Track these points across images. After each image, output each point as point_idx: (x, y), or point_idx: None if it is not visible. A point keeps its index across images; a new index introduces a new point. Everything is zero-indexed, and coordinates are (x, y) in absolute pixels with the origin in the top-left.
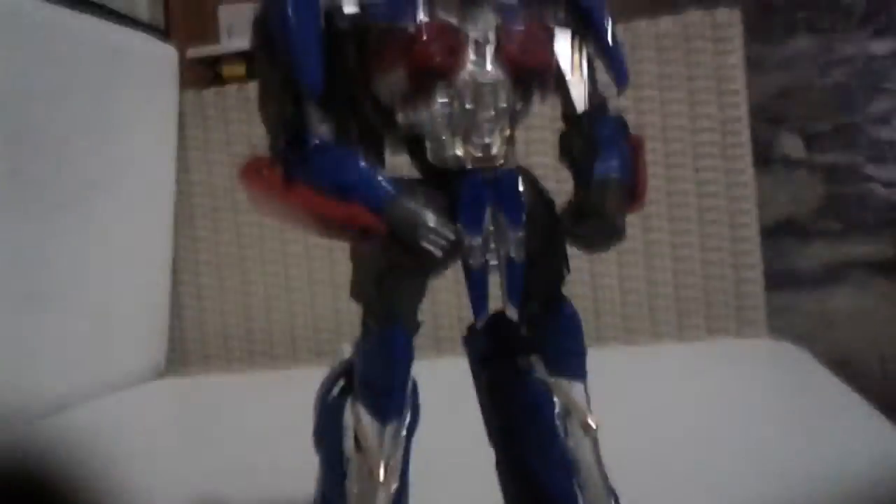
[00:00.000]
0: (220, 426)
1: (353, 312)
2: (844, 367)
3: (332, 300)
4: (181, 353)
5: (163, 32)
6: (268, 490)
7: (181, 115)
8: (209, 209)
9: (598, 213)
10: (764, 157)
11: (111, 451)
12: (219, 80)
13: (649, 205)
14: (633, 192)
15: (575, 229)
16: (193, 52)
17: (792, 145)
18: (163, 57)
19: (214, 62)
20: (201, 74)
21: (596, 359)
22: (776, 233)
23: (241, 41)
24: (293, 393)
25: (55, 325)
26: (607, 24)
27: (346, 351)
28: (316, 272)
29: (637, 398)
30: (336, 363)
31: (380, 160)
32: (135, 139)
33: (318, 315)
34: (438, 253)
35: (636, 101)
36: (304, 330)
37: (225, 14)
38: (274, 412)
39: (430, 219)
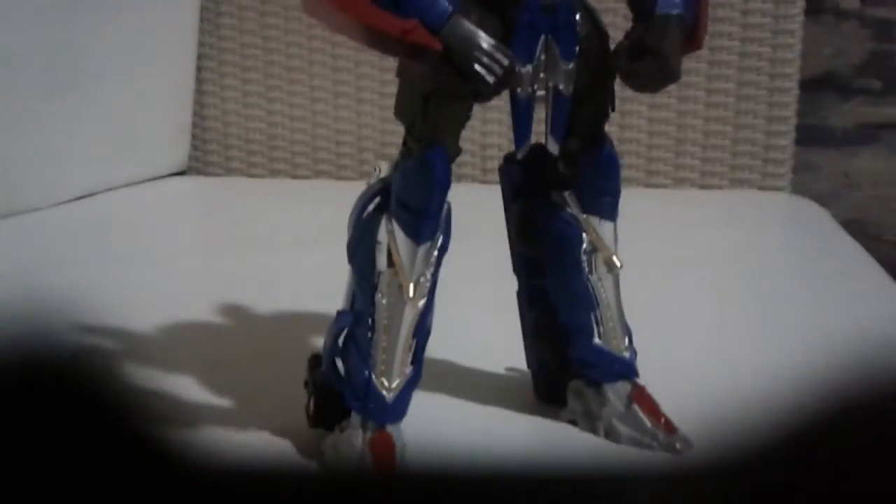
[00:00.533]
0: (238, 226)
1: (375, 129)
2: (863, 227)
3: (356, 115)
4: (203, 154)
5: None
6: (282, 294)
7: None
8: (235, 8)
9: (657, 52)
10: (815, 5)
11: (131, 240)
12: None
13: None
14: (692, 32)
15: (630, 67)
16: None
17: None
18: None
19: None
20: None
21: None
22: (814, 86)
23: None
24: (312, 203)
25: (82, 115)
26: None
27: (384, 169)
28: (341, 85)
29: (653, 241)
30: (373, 180)
31: None
32: None
33: (341, 129)
34: (490, 78)
35: None
36: (325, 142)
37: None
38: (292, 219)
39: (487, 42)
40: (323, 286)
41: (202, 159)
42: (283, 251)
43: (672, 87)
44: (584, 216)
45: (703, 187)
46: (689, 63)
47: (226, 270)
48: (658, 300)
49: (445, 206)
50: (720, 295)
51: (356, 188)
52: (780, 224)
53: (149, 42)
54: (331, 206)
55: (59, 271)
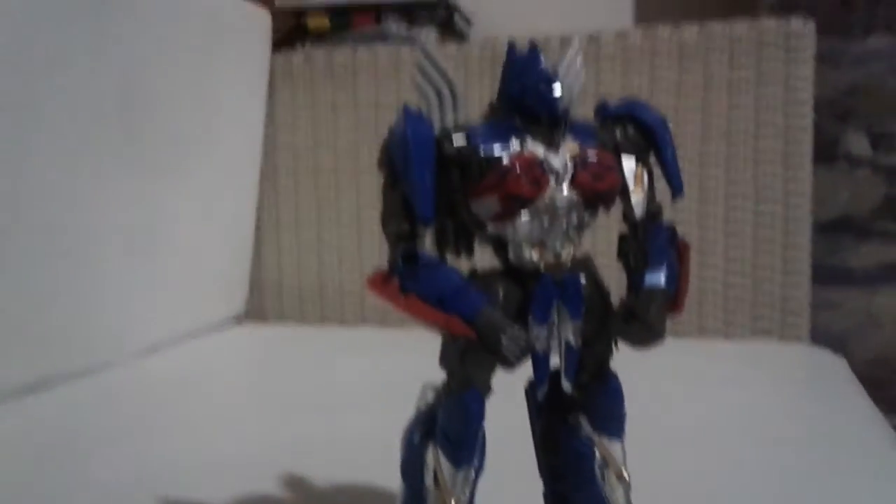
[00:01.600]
0: (293, 379)
1: None
2: (885, 366)
3: None
4: (259, 303)
5: None
6: (338, 458)
7: (271, 77)
8: (291, 169)
9: (643, 320)
10: (828, 154)
11: (199, 392)
12: (303, 30)
13: (706, 204)
14: (674, 299)
15: (623, 329)
16: (280, 2)
17: (858, 143)
18: (256, 21)
19: (300, 14)
20: (286, 24)
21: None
22: (833, 229)
23: None
24: (364, 349)
25: (154, 272)
26: (668, 142)
27: (429, 394)
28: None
29: (674, 401)
30: (420, 404)
31: (471, 251)
32: (229, 100)
33: None
34: (514, 356)
35: (705, 102)
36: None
37: None
38: (344, 365)
39: (511, 330)
40: (378, 449)
41: (258, 306)
42: (338, 410)
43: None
44: (596, 436)
45: (726, 336)
46: (707, 208)
47: (283, 432)
48: (676, 466)
49: (481, 434)
50: (735, 462)
51: (399, 335)
52: (798, 380)
53: (215, 201)
54: (379, 354)
55: (129, 434)
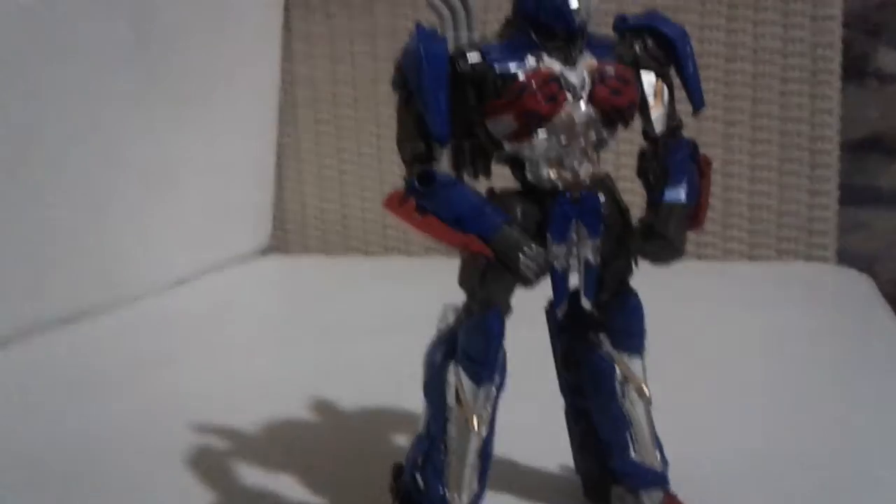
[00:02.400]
0: (319, 310)
1: None
2: None
3: None
4: (283, 235)
5: None
6: (365, 383)
7: (286, 9)
8: (311, 100)
9: (663, 236)
10: (858, 70)
11: (223, 330)
12: None
13: (732, 124)
14: (695, 215)
15: (642, 247)
16: None
17: (889, 59)
18: None
19: None
20: None
21: (668, 271)
22: (862, 148)
23: None
24: (388, 277)
25: (175, 206)
26: (688, 54)
27: (449, 315)
28: None
29: (698, 323)
30: (441, 325)
31: (488, 171)
32: (244, 32)
33: None
34: (532, 274)
35: (730, 17)
36: (394, 220)
37: None
38: (369, 293)
39: (528, 247)
40: (402, 373)
41: (282, 238)
42: (362, 337)
43: (718, 165)
44: (616, 353)
45: (751, 258)
46: (733, 129)
47: (309, 359)
48: (699, 389)
49: (501, 353)
50: (757, 383)
51: (423, 263)
52: (824, 300)
53: (233, 134)
54: (403, 283)
55: (158, 365)
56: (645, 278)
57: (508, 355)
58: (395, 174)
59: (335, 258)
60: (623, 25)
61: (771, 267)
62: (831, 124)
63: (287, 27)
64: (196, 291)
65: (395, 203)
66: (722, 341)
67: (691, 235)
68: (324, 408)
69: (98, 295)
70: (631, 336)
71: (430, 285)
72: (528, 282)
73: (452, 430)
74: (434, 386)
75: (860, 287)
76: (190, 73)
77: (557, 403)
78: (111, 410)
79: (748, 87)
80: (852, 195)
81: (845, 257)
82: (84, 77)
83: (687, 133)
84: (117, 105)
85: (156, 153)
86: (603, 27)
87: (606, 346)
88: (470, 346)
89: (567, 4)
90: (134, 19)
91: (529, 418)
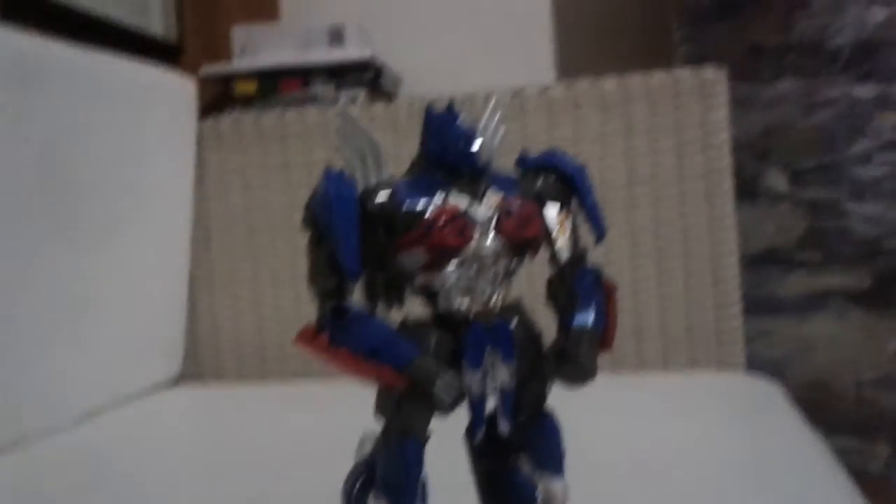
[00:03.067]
0: (232, 440)
1: None
2: (821, 389)
3: None
4: (196, 364)
5: (176, 49)
6: (284, 496)
7: (199, 143)
8: (224, 230)
9: (575, 359)
10: (750, 190)
11: (130, 465)
12: (230, 97)
13: (637, 245)
14: (604, 337)
15: (555, 370)
16: (207, 69)
17: (777, 180)
18: (181, 89)
19: (227, 80)
20: (213, 90)
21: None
22: (760, 262)
23: (252, 60)
24: (304, 404)
25: (83, 336)
26: (587, 188)
27: (367, 444)
28: None
29: (613, 429)
30: (358, 455)
31: (402, 301)
32: (156, 168)
33: None
34: (448, 401)
35: (628, 149)
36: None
37: (238, 34)
38: (285, 422)
39: (443, 376)
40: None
41: (195, 366)
42: (280, 468)
43: (627, 281)
44: (538, 473)
45: (665, 368)
46: (637, 249)
47: (227, 492)
48: (620, 500)
49: (422, 480)
50: (678, 495)
51: (343, 387)
52: (738, 408)
53: (144, 262)
54: (323, 409)
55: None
56: (562, 392)
57: (430, 482)
58: (312, 301)
59: (251, 385)
60: (525, 164)
61: (685, 377)
62: (729, 240)
63: (200, 162)
64: (107, 425)
65: (308, 338)
66: (640, 454)
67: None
68: None
69: (6, 430)
70: (551, 457)
71: (353, 411)
72: (444, 409)
73: None
74: None
75: (770, 393)
76: (101, 210)
77: None
78: None
79: (650, 208)
80: (756, 306)
81: (755, 364)
82: None
83: (594, 254)
84: (26, 235)
85: (66, 289)
86: (510, 155)
87: (527, 468)
88: (389, 476)
89: (469, 147)
90: (43, 158)
91: None
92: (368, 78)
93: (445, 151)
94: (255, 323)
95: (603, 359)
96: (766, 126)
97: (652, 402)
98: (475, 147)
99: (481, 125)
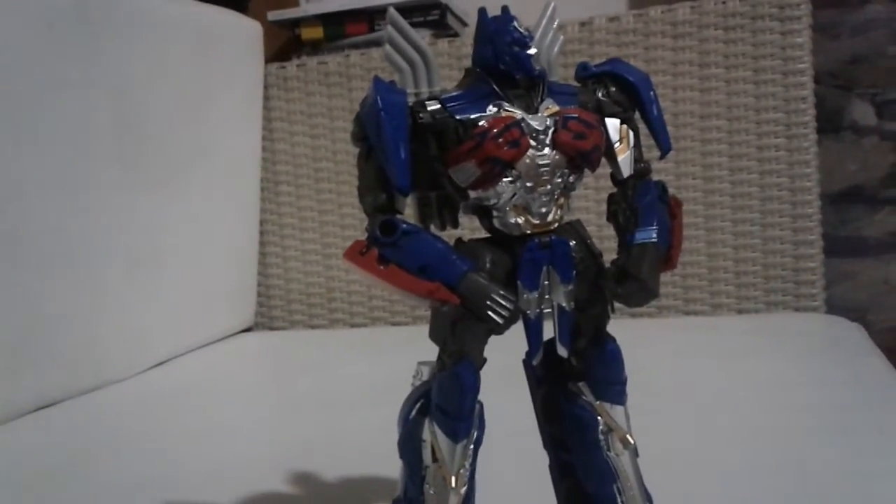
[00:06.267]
0: (303, 382)
1: None
2: None
3: None
4: (268, 310)
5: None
6: (348, 453)
7: (266, 88)
8: (292, 176)
9: (636, 277)
10: (833, 124)
11: (206, 405)
12: (297, 41)
13: (712, 180)
14: (668, 255)
15: (616, 289)
16: (273, 15)
17: (862, 113)
18: (248, 32)
19: (294, 25)
20: (281, 37)
21: (656, 328)
22: (843, 200)
23: (318, 5)
24: (369, 348)
25: (159, 287)
26: (652, 99)
27: (424, 372)
28: None
29: (689, 376)
30: (415, 382)
31: (455, 222)
32: (224, 113)
33: None
34: (500, 320)
35: (702, 80)
36: (379, 290)
37: None
38: (350, 364)
39: (495, 293)
40: (387, 443)
41: (267, 315)
42: (347, 408)
43: (701, 221)
44: (598, 402)
45: (739, 312)
46: (712, 185)
47: (295, 431)
48: (691, 440)
49: (477, 406)
50: (750, 433)
51: (408, 332)
52: (816, 348)
53: (216, 214)
54: (388, 352)
55: (141, 442)
56: (636, 334)
57: (487, 410)
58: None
59: (320, 331)
60: (585, 73)
61: (760, 319)
62: (810, 176)
63: (267, 106)
64: (183, 368)
65: (355, 254)
66: (712, 391)
67: (680, 293)
68: (308, 479)
69: (82, 380)
70: (611, 384)
71: (416, 353)
72: (497, 328)
73: (430, 490)
74: (409, 444)
75: (852, 336)
76: (171, 154)
77: (541, 458)
78: (97, 485)
79: (724, 143)
80: (837, 247)
81: (835, 308)
82: (65, 164)
83: (650, 170)
84: (99, 190)
85: (139, 236)
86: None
87: (587, 395)
88: (444, 401)
89: (524, 51)
90: (114, 103)
91: (512, 474)
92: (434, 18)
93: (499, 56)
94: (324, 270)
95: (674, 299)
96: (851, 54)
97: (726, 342)
98: (531, 51)
99: (538, 32)
